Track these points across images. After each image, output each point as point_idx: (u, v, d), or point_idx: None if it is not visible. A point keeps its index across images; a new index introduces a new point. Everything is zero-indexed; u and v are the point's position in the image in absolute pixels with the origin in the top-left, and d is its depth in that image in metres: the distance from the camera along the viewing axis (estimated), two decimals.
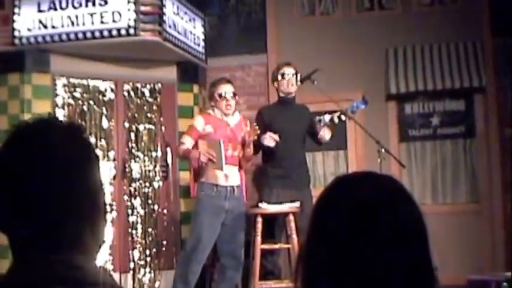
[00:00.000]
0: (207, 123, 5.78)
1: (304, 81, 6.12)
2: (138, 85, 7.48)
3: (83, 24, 6.68)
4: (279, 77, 6.21)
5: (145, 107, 7.50)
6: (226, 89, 5.81)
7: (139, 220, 7.30)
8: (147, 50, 7.03)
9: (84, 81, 7.19)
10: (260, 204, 5.79)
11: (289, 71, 6.17)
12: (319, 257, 1.20)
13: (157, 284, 7.33)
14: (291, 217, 5.69)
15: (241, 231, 5.77)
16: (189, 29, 7.48)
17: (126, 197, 7.22)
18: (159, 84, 7.58)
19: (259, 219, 5.69)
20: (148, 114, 7.50)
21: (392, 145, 7.78)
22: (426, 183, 8.16)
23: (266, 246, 5.79)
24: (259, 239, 5.67)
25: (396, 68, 8.08)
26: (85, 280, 1.27)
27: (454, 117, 8.16)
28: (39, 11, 6.77)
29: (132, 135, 7.38)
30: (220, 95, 5.78)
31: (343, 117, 6.10)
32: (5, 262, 5.67)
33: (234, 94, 5.85)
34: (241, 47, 8.49)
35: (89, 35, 6.68)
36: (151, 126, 7.49)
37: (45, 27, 6.76)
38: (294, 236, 5.64)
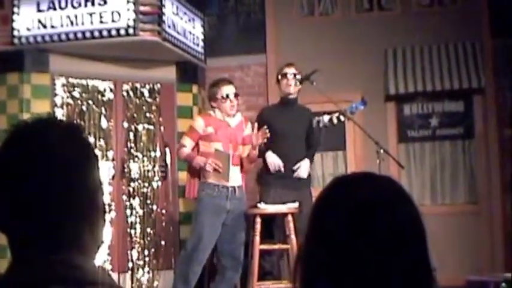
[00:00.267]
0: (207, 124, 5.75)
1: (303, 81, 6.12)
2: (137, 85, 7.48)
3: (82, 24, 6.68)
4: (279, 77, 6.23)
5: (144, 107, 7.50)
6: (229, 90, 5.80)
7: (138, 220, 7.30)
8: (146, 50, 7.03)
9: (83, 81, 7.19)
10: (259, 205, 5.78)
11: (289, 71, 6.17)
12: (318, 258, 1.20)
13: (155, 284, 7.33)
14: (290, 218, 5.69)
15: (242, 231, 5.76)
16: (188, 29, 7.48)
17: (124, 197, 7.22)
18: (158, 84, 7.58)
19: (258, 220, 5.69)
20: (147, 114, 7.50)
21: (391, 146, 7.78)
22: (425, 184, 8.16)
23: (265, 247, 5.78)
24: (258, 239, 5.67)
25: (395, 68, 8.08)
26: (84, 280, 1.27)
27: (453, 118, 8.16)
28: (39, 10, 6.77)
29: (131, 135, 7.38)
30: (224, 96, 5.76)
31: (342, 118, 6.10)
32: (3, 262, 5.67)
33: (237, 94, 5.85)
34: (240, 47, 8.50)
35: (88, 34, 6.68)
36: (150, 126, 7.49)
37: (45, 27, 6.76)
38: (293, 237, 5.64)
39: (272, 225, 6.03)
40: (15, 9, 6.83)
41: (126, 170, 7.20)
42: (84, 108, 7.18)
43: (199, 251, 5.60)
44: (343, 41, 8.28)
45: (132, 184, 7.28)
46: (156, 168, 7.39)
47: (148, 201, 7.37)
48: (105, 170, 7.00)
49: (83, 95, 7.19)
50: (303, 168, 6.07)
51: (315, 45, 8.25)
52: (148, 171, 7.40)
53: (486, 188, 7.96)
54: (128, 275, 7.12)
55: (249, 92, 8.31)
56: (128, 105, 7.41)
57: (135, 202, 7.29)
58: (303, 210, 5.67)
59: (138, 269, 7.24)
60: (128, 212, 7.24)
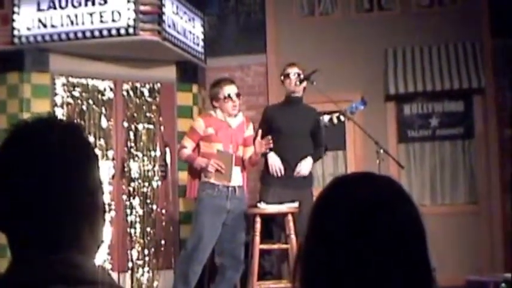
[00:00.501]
0: (208, 125, 5.73)
1: (302, 82, 6.12)
2: (137, 85, 7.49)
3: (83, 23, 6.68)
4: (282, 77, 6.23)
5: (144, 107, 7.50)
6: (231, 90, 5.78)
7: (137, 220, 7.30)
8: (147, 49, 7.03)
9: (84, 81, 7.19)
10: (259, 204, 5.78)
11: (292, 71, 6.17)
12: (318, 257, 1.20)
13: (155, 283, 7.33)
14: (290, 217, 5.68)
15: (242, 231, 5.76)
16: (188, 28, 7.48)
17: (124, 197, 7.22)
18: (158, 84, 7.58)
19: (258, 219, 5.69)
20: (148, 114, 7.50)
21: (391, 146, 7.79)
22: (425, 184, 8.17)
23: (265, 246, 5.78)
24: (258, 239, 5.67)
25: (395, 68, 8.08)
26: (84, 279, 1.27)
27: (453, 118, 8.16)
28: (39, 10, 6.77)
29: (131, 134, 7.38)
30: (226, 96, 5.74)
31: (342, 118, 6.10)
32: (3, 261, 5.67)
33: (239, 94, 5.83)
34: (240, 47, 8.50)
35: (88, 34, 6.69)
36: (150, 126, 7.49)
37: (45, 26, 6.76)
38: (293, 236, 5.64)
39: (272, 225, 6.02)
40: (16, 9, 6.83)
41: (126, 170, 7.20)
42: (84, 107, 7.18)
43: (200, 251, 5.59)
44: (343, 41, 8.28)
45: (132, 184, 7.29)
46: (156, 168, 7.40)
47: (148, 201, 7.37)
48: (105, 170, 7.01)
49: (83, 94, 7.19)
50: (304, 166, 6.04)
51: (315, 45, 8.25)
52: (148, 170, 7.40)
53: (486, 188, 7.96)
54: (128, 274, 7.12)
55: (249, 92, 8.31)
56: (128, 105, 7.41)
57: (135, 202, 7.29)
58: (303, 210, 5.65)
59: (138, 269, 7.24)
60: (128, 211, 7.24)
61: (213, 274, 5.98)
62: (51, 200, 1.30)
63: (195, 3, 7.70)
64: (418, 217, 1.22)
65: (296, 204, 5.72)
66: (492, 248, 7.80)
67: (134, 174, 7.31)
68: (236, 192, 5.71)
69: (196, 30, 7.72)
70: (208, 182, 5.68)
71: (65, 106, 7.08)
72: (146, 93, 7.53)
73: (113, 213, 7.11)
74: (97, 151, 1.41)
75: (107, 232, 6.95)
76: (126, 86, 7.42)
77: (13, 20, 6.84)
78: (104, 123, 7.26)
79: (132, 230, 7.25)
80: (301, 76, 6.11)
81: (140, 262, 7.26)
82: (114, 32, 6.66)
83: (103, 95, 7.30)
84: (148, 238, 7.33)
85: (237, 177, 5.76)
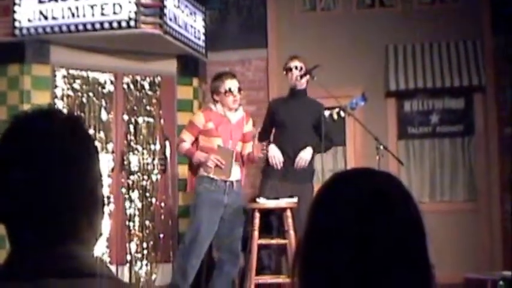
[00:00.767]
0: (207, 120, 5.72)
1: (305, 76, 6.12)
2: (138, 78, 7.48)
3: (84, 15, 6.67)
4: (285, 72, 6.23)
5: (144, 100, 7.50)
6: (233, 84, 5.77)
7: (136, 213, 7.30)
8: (147, 42, 7.03)
9: (84, 73, 7.19)
10: (258, 199, 5.78)
11: (293, 64, 6.17)
12: (317, 253, 1.20)
13: (153, 276, 7.33)
14: (288, 213, 5.68)
15: (240, 226, 5.76)
16: (189, 22, 7.47)
17: (124, 190, 7.22)
18: (159, 77, 7.58)
19: (257, 214, 5.69)
20: (148, 107, 7.50)
21: (391, 142, 7.78)
22: (424, 181, 8.16)
23: (263, 241, 5.78)
24: (256, 233, 5.67)
25: (396, 65, 8.07)
26: (82, 271, 1.27)
27: (453, 116, 8.16)
28: (40, 1, 6.76)
29: (131, 127, 7.38)
30: (227, 90, 5.72)
31: (342, 114, 6.09)
32: (2, 252, 5.67)
33: (240, 89, 5.82)
34: (241, 41, 8.48)
35: (89, 26, 6.68)
36: (150, 119, 7.49)
37: (46, 18, 6.75)
38: (291, 232, 5.64)
39: (270, 220, 6.02)
40: (17, 0, 6.82)
41: (125, 163, 7.19)
42: (84, 100, 7.18)
43: (197, 245, 5.60)
44: (344, 37, 8.26)
45: (131, 177, 7.29)
46: (156, 161, 7.40)
47: (148, 194, 7.37)
48: (105, 163, 7.01)
49: (84, 87, 7.19)
50: (303, 155, 6.01)
51: (316, 40, 8.23)
52: (147, 164, 7.41)
53: (485, 185, 7.96)
54: (126, 267, 7.12)
55: (250, 86, 8.29)
56: (128, 98, 7.41)
57: (134, 195, 7.29)
58: (302, 205, 5.63)
59: (136, 262, 7.25)
60: (127, 204, 7.24)
61: (211, 269, 5.99)
62: (50, 192, 1.29)
63: None
64: (418, 213, 1.22)
65: (295, 200, 5.71)
66: (491, 245, 7.81)
67: (134, 167, 7.32)
68: (234, 187, 5.71)
69: (198, 24, 7.71)
70: (205, 176, 5.68)
71: (65, 98, 7.08)
72: (147, 86, 7.52)
73: (112, 206, 7.11)
74: (97, 144, 1.40)
75: (106, 225, 6.96)
76: (126, 79, 7.42)
77: (14, 12, 6.83)
78: (104, 116, 7.26)
79: (131, 223, 7.26)
80: (303, 70, 6.11)
81: (139, 255, 7.27)
82: (115, 24, 6.65)
83: (103, 87, 7.30)
84: (147, 231, 7.34)
85: (235, 172, 5.76)
